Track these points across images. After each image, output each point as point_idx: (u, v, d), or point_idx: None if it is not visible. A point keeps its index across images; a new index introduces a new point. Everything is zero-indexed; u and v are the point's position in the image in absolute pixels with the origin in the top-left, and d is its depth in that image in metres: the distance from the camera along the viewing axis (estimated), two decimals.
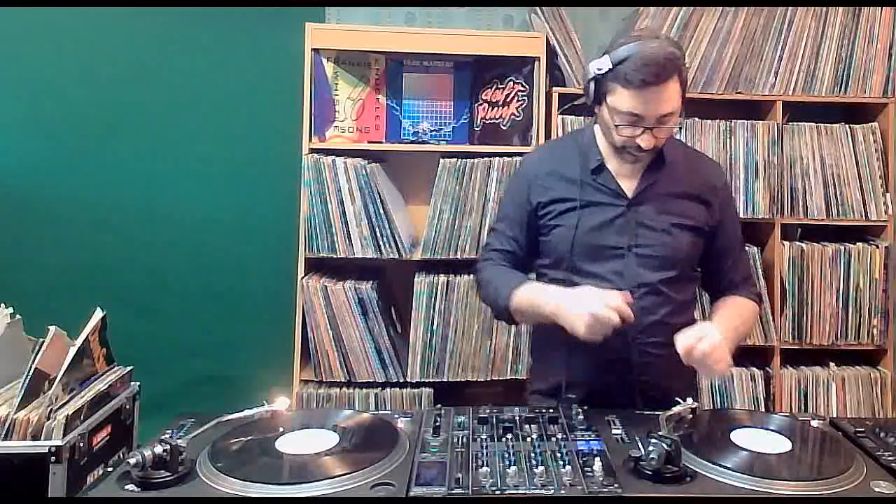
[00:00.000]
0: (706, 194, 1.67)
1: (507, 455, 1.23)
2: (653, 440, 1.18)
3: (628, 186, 1.65)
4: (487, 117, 2.63)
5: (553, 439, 1.31)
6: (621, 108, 1.53)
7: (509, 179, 1.88)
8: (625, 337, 1.56)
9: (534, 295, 1.60)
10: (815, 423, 1.45)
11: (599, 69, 1.54)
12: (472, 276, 2.44)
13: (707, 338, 1.45)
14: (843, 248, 2.58)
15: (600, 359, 1.60)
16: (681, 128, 2.57)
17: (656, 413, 1.26)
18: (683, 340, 1.46)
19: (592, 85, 1.57)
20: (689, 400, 1.29)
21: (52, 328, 1.58)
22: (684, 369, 1.54)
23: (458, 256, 2.49)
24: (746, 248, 1.84)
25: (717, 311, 1.71)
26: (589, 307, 1.44)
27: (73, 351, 1.57)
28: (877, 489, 1.16)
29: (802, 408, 2.56)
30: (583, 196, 1.63)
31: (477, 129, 2.64)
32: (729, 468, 1.19)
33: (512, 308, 1.63)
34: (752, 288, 1.78)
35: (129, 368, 1.78)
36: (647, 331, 1.60)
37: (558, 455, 1.24)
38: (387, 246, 2.45)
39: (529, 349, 2.05)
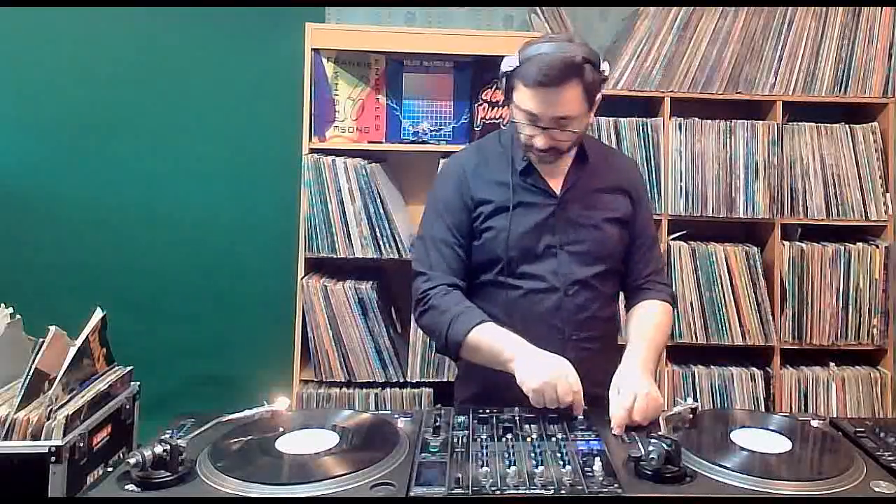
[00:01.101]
0: (626, 186, 1.71)
1: (507, 455, 1.23)
2: (653, 440, 1.18)
3: (555, 185, 1.65)
4: (487, 117, 2.63)
5: (553, 439, 1.31)
6: (521, 106, 1.55)
7: (434, 185, 1.77)
8: (561, 335, 1.60)
9: (495, 338, 1.53)
10: (815, 423, 1.45)
11: (509, 66, 1.56)
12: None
13: (637, 398, 1.41)
14: (843, 248, 2.58)
15: None
16: (682, 127, 2.57)
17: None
18: (618, 416, 1.39)
19: (503, 81, 1.60)
20: (689, 400, 1.29)
21: (52, 328, 1.57)
22: (609, 364, 1.56)
23: None
24: (658, 243, 1.80)
25: (631, 327, 1.66)
26: (552, 382, 1.41)
27: (73, 351, 1.57)
28: (877, 489, 1.16)
29: (802, 408, 2.57)
30: (514, 197, 1.62)
31: (477, 129, 2.63)
32: (729, 468, 1.19)
33: (464, 344, 1.55)
34: (661, 284, 1.74)
35: (129, 368, 1.78)
36: (581, 327, 1.63)
37: (558, 455, 1.24)
38: (387, 246, 2.45)
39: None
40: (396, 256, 2.46)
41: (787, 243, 2.59)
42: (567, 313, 1.61)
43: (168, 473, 1.17)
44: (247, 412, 1.32)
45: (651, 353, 1.59)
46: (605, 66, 1.58)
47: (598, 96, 1.60)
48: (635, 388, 1.43)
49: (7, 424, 1.45)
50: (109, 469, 1.25)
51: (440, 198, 1.71)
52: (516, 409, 1.46)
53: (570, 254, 1.62)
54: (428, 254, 1.67)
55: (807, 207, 2.60)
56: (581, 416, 1.41)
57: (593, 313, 1.64)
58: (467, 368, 1.73)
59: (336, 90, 2.59)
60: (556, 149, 1.57)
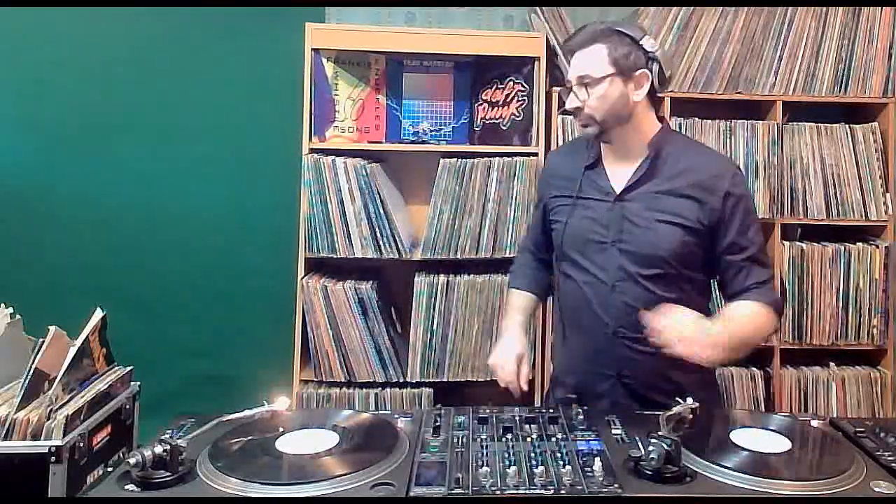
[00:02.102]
0: (699, 191, 1.63)
1: (507, 455, 1.23)
2: (653, 440, 1.18)
3: (619, 182, 1.68)
4: (487, 117, 2.63)
5: (553, 439, 1.31)
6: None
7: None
8: (606, 330, 1.65)
9: (507, 305, 1.93)
10: (815, 423, 1.45)
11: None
12: (471, 276, 2.48)
13: (678, 316, 1.46)
14: (843, 248, 2.58)
15: (587, 351, 1.70)
16: (682, 127, 2.57)
17: (656, 413, 1.26)
18: (655, 318, 1.46)
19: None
20: (689, 399, 1.29)
21: (52, 328, 1.57)
22: (673, 370, 1.56)
23: (458, 256, 2.48)
24: (764, 255, 1.68)
25: (722, 312, 1.67)
26: (496, 364, 1.75)
27: (73, 351, 1.57)
28: (877, 489, 1.16)
29: (802, 408, 2.56)
30: (577, 191, 1.71)
31: (477, 129, 2.64)
32: (729, 468, 1.19)
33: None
34: (768, 293, 1.65)
35: (129, 368, 1.78)
36: (629, 326, 1.62)
37: (558, 455, 1.24)
38: (387, 246, 2.44)
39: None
40: (396, 256, 2.46)
41: (787, 243, 2.59)
42: (614, 309, 1.65)
43: (168, 473, 1.17)
44: (247, 412, 1.32)
45: (727, 324, 1.52)
46: (648, 41, 1.63)
47: (640, 72, 1.63)
48: (685, 313, 1.47)
49: (7, 424, 1.45)
50: (109, 469, 1.25)
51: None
52: (516, 409, 1.47)
53: (620, 251, 1.65)
54: (528, 232, 2.07)
55: (807, 207, 2.60)
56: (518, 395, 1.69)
57: (639, 314, 1.60)
58: (559, 371, 1.87)
59: (336, 90, 2.59)
60: (588, 115, 1.64)
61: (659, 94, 1.70)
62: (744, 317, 1.60)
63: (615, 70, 1.61)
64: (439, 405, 1.48)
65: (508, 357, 1.72)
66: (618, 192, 1.67)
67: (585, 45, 1.64)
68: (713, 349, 1.45)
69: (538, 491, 1.12)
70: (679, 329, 1.45)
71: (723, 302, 1.71)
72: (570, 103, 1.66)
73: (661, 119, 1.73)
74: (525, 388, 1.71)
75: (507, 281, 2.08)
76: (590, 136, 1.68)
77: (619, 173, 1.69)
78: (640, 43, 1.63)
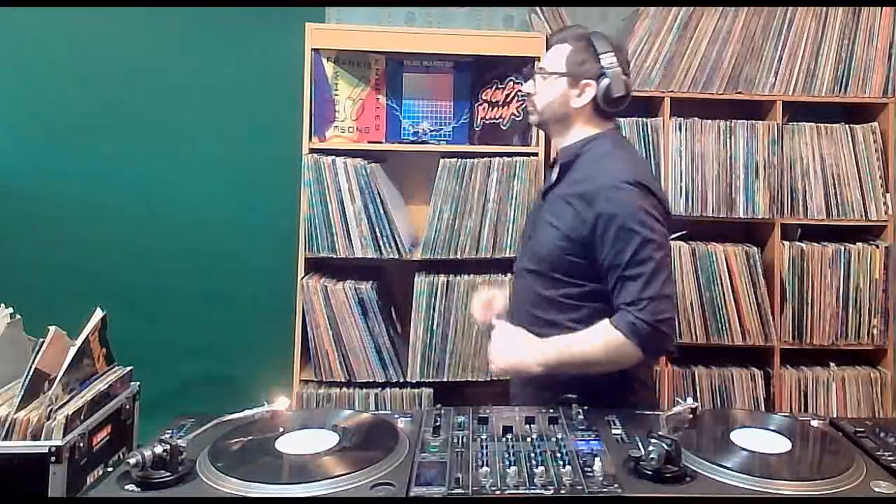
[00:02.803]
0: (579, 202, 1.62)
1: (507, 455, 1.23)
2: (653, 440, 1.18)
3: (549, 182, 1.79)
4: (487, 117, 2.63)
5: (553, 439, 1.31)
6: None
7: None
8: (510, 317, 1.74)
9: None
10: (815, 423, 1.45)
11: None
12: (471, 276, 2.48)
13: (504, 329, 1.65)
14: (843, 248, 2.58)
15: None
16: (682, 127, 2.57)
17: (657, 413, 1.25)
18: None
19: None
20: (689, 399, 1.29)
21: (52, 328, 1.57)
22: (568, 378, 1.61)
23: (458, 256, 2.48)
24: (647, 276, 1.54)
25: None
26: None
27: (73, 351, 1.57)
28: (877, 489, 1.16)
29: (802, 408, 2.56)
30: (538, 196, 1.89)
31: (477, 128, 2.64)
32: (729, 468, 1.19)
33: None
34: (625, 316, 1.54)
35: (129, 368, 1.78)
36: (520, 314, 1.73)
37: (558, 455, 1.24)
38: (387, 246, 2.44)
39: None
40: (396, 256, 2.46)
41: (787, 243, 2.59)
42: (515, 301, 1.81)
43: (168, 473, 1.17)
44: (247, 412, 1.32)
45: (549, 343, 1.58)
46: (608, 57, 1.66)
47: (585, 82, 1.68)
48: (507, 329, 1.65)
49: (7, 424, 1.45)
50: (109, 469, 1.25)
51: None
52: (516, 409, 1.47)
53: (526, 245, 1.80)
54: None
55: (807, 207, 2.59)
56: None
57: (528, 307, 1.71)
58: None
59: (336, 90, 2.59)
60: (532, 103, 1.76)
61: (609, 110, 1.71)
62: (575, 339, 1.57)
63: (565, 71, 1.70)
64: (439, 405, 1.48)
65: (475, 303, 1.87)
66: (543, 190, 1.79)
67: (559, 41, 1.75)
68: (521, 364, 1.60)
69: (538, 491, 1.12)
70: (499, 342, 1.63)
71: None
72: (524, 88, 1.80)
73: (612, 129, 1.75)
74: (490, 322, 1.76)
75: (507, 280, 2.12)
76: (532, 123, 1.87)
77: (552, 174, 1.79)
78: (600, 56, 1.67)
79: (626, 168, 1.63)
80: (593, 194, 1.60)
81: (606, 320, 1.56)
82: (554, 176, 1.74)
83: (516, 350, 1.60)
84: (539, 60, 2.51)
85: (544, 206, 1.74)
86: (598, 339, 1.55)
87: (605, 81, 1.66)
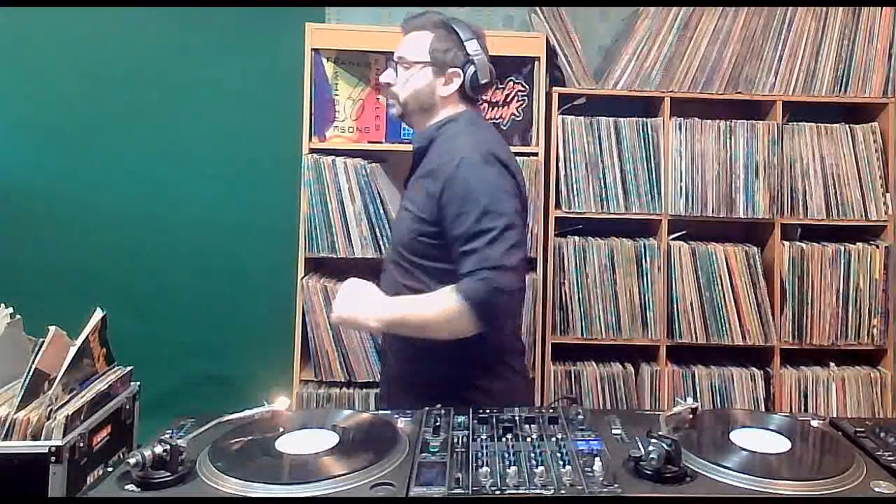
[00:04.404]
0: (426, 179, 1.62)
1: (507, 455, 1.23)
2: (653, 440, 1.18)
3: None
4: (487, 117, 2.63)
5: (553, 439, 1.31)
6: None
7: None
8: None
9: None
10: (814, 423, 1.45)
11: None
12: None
13: (354, 283, 1.63)
14: (843, 248, 2.58)
15: None
16: (682, 127, 2.57)
17: (657, 413, 1.25)
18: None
19: None
20: (689, 399, 1.29)
21: (52, 328, 1.57)
22: (418, 363, 1.65)
23: None
24: (482, 241, 1.51)
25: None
26: None
27: (73, 351, 1.57)
28: (877, 489, 1.16)
29: (802, 408, 2.56)
30: None
31: None
32: (729, 468, 1.19)
33: None
34: (470, 283, 1.51)
35: (129, 368, 1.78)
36: None
37: (558, 455, 1.24)
38: (387, 246, 2.44)
39: None
40: None
41: (787, 243, 2.59)
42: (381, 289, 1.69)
43: (168, 473, 1.17)
44: (247, 412, 1.32)
45: (393, 301, 1.61)
46: (473, 44, 1.66)
47: (452, 70, 1.66)
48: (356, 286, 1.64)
49: (7, 424, 1.45)
50: (109, 469, 1.25)
51: None
52: (516, 409, 1.46)
53: (391, 238, 1.81)
54: None
55: (807, 207, 2.59)
56: None
57: (391, 294, 1.67)
58: None
59: (336, 90, 2.59)
60: (394, 94, 1.70)
61: (474, 97, 1.72)
62: (417, 300, 1.61)
63: (429, 60, 1.67)
64: (439, 405, 1.48)
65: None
66: (404, 180, 1.77)
67: (415, 28, 1.70)
68: (360, 317, 1.59)
69: (538, 491, 1.12)
70: (346, 292, 1.61)
71: None
72: (384, 78, 1.72)
73: (469, 110, 1.73)
74: None
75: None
76: (392, 115, 1.76)
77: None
78: (465, 43, 1.66)
79: (476, 143, 1.61)
80: (440, 170, 1.59)
81: (450, 286, 1.53)
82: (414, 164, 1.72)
83: (360, 303, 1.59)
84: (538, 60, 2.52)
85: (405, 195, 1.74)
86: (437, 304, 1.54)
87: (471, 69, 1.67)
